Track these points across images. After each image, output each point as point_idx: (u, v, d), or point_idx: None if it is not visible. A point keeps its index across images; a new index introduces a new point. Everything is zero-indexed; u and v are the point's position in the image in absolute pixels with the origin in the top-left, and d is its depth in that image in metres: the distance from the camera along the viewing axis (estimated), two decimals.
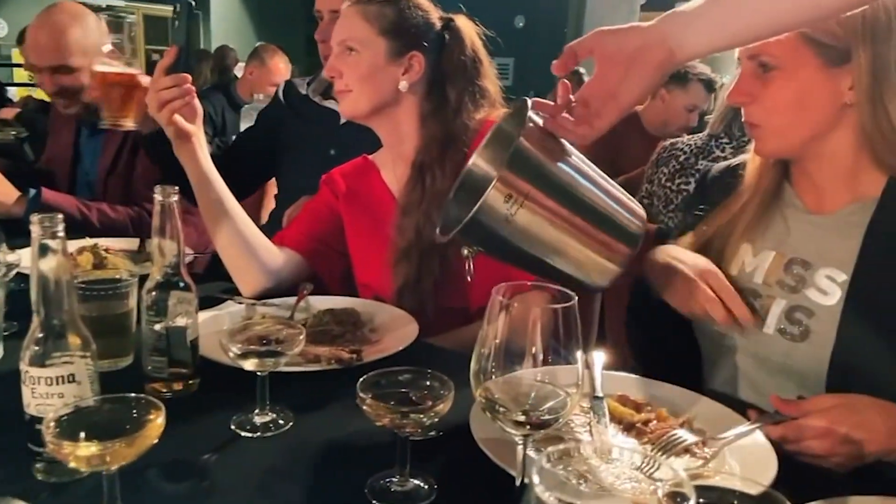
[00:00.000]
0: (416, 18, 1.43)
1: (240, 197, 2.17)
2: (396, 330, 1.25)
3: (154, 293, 1.03)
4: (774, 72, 1.05)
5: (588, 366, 1.03)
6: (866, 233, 1.06)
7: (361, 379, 0.81)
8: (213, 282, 1.60)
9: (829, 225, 1.11)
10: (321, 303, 1.38)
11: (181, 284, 1.04)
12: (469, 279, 0.97)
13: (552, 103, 0.93)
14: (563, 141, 0.94)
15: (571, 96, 0.93)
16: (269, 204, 2.40)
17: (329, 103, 1.99)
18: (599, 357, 1.07)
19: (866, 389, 0.95)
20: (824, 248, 1.10)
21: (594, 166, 0.97)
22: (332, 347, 1.14)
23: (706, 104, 3.22)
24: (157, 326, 1.02)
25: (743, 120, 1.13)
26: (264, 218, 2.45)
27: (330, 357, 1.09)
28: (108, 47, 1.45)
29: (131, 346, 1.15)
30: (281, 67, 4.31)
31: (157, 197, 0.99)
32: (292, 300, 1.38)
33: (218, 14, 11.57)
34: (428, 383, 0.83)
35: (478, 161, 1.05)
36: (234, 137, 3.89)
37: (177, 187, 1.00)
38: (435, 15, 1.47)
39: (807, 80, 1.04)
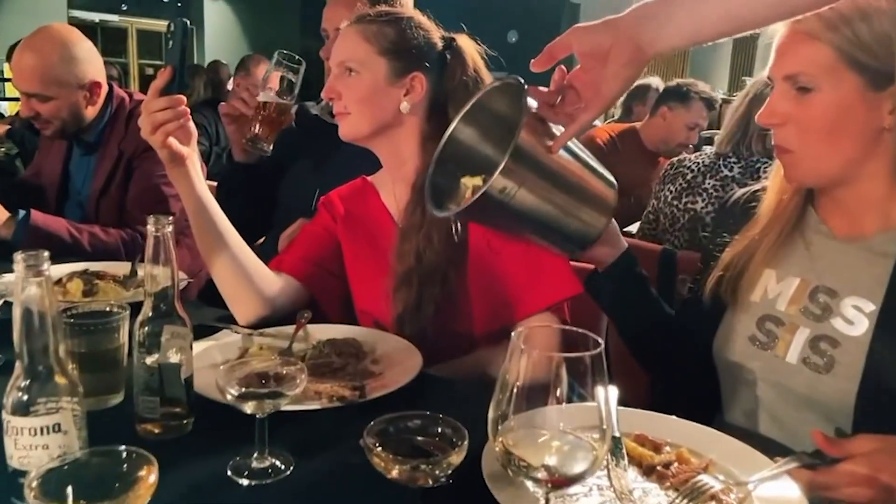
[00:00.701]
0: (418, 38, 1.39)
1: (269, 230, 2.15)
2: (399, 362, 1.20)
3: (146, 328, 0.97)
4: (812, 94, 1.00)
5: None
6: None
7: (368, 427, 0.76)
8: (207, 307, 1.55)
9: (857, 253, 1.07)
10: (320, 331, 1.32)
11: (175, 318, 0.98)
12: (456, 238, 1.08)
13: (545, 89, 0.96)
14: (551, 124, 0.99)
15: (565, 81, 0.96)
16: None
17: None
18: (613, 392, 1.02)
19: (895, 425, 0.90)
20: (851, 276, 1.06)
21: (575, 141, 1.04)
22: (333, 383, 1.09)
23: (706, 122, 3.20)
24: (149, 363, 0.97)
25: (773, 143, 1.08)
26: (261, 239, 2.40)
27: (332, 394, 1.04)
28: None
29: (122, 382, 1.09)
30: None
31: (151, 228, 0.94)
32: (290, 329, 1.32)
33: (212, 27, 11.58)
34: (440, 430, 0.77)
35: (460, 127, 1.13)
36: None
37: (170, 217, 0.95)
38: (436, 34, 1.43)
39: (847, 103, 0.99)
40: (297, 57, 1.68)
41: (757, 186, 1.23)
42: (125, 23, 11.92)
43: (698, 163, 2.10)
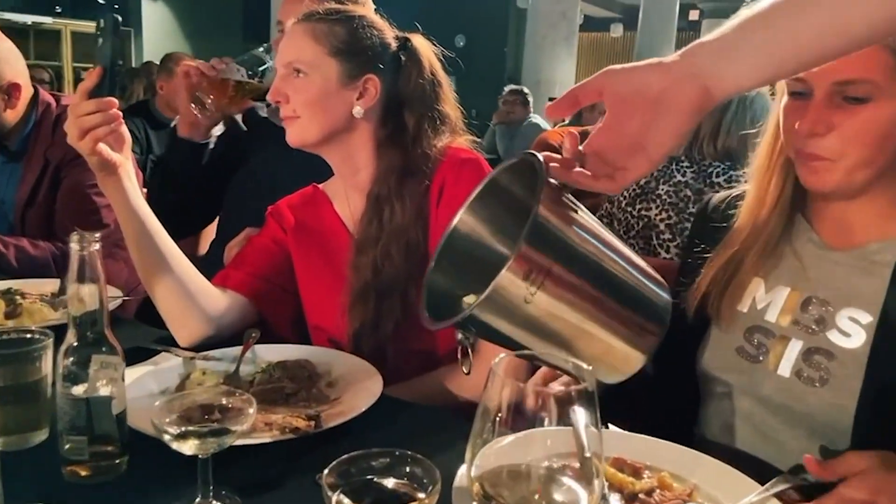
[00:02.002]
0: (371, 38, 1.31)
1: (202, 227, 2.02)
2: (357, 384, 1.11)
3: (71, 357, 0.87)
4: (867, 103, 0.93)
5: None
6: (894, 272, 0.98)
7: (328, 469, 0.67)
8: (145, 327, 1.43)
9: (852, 263, 1.02)
10: (270, 353, 1.22)
11: (104, 346, 0.88)
12: (466, 371, 0.81)
13: (559, 156, 0.78)
14: (579, 204, 0.79)
15: (580, 147, 0.78)
16: (209, 233, 2.22)
17: None
18: (581, 413, 0.95)
19: (893, 440, 0.86)
20: (847, 287, 1.01)
21: (610, 231, 0.82)
22: (285, 412, 1.00)
23: None
24: (76, 397, 0.86)
25: (804, 151, 0.99)
26: (203, 249, 2.27)
27: (284, 426, 0.94)
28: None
29: (45, 417, 0.97)
30: None
31: (74, 246, 0.84)
32: (237, 350, 1.22)
33: (150, 29, 11.23)
34: (408, 469, 0.69)
35: (465, 218, 0.86)
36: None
37: (98, 234, 0.85)
38: (390, 34, 1.35)
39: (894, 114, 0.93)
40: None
41: (735, 191, 1.18)
42: (59, 25, 11.45)
43: None
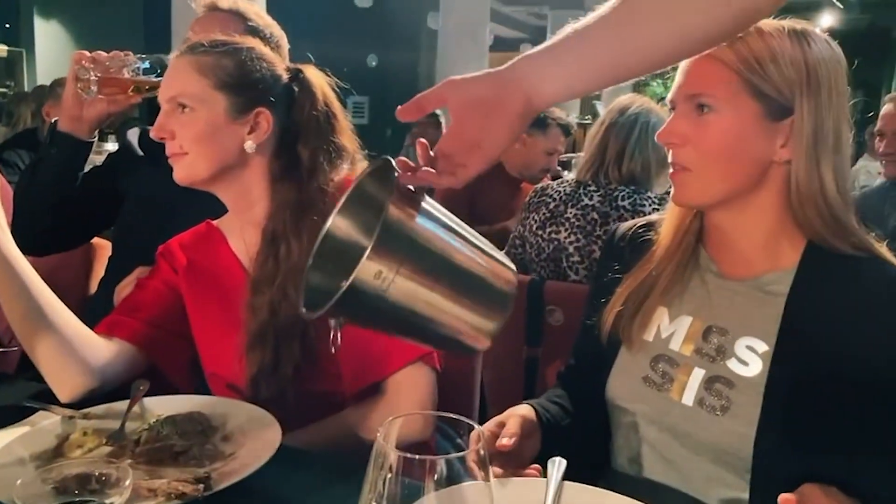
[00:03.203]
0: (261, 70, 1.26)
1: (71, 246, 1.85)
2: (254, 436, 1.05)
3: None
4: (711, 114, 1.00)
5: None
6: (787, 302, 1.01)
7: None
8: (22, 381, 1.32)
9: (747, 292, 1.05)
10: (160, 405, 1.15)
11: None
12: (334, 351, 0.86)
13: (412, 164, 0.84)
14: (429, 201, 0.86)
15: (431, 152, 0.85)
16: (99, 270, 2.09)
17: None
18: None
19: (793, 468, 0.90)
20: (743, 316, 1.04)
21: (461, 223, 0.89)
22: (174, 473, 0.93)
23: (564, 147, 3.27)
24: None
25: (671, 162, 1.05)
26: (93, 287, 2.14)
27: (169, 492, 0.87)
28: None
29: None
30: None
31: None
32: (123, 405, 1.14)
33: (45, 51, 10.68)
34: None
35: (337, 222, 0.95)
36: None
37: None
38: (281, 66, 1.31)
39: (743, 128, 0.99)
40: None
41: (642, 221, 1.20)
42: None
43: (560, 191, 2.10)
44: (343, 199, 0.95)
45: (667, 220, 1.14)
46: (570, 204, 2.05)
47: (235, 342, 1.25)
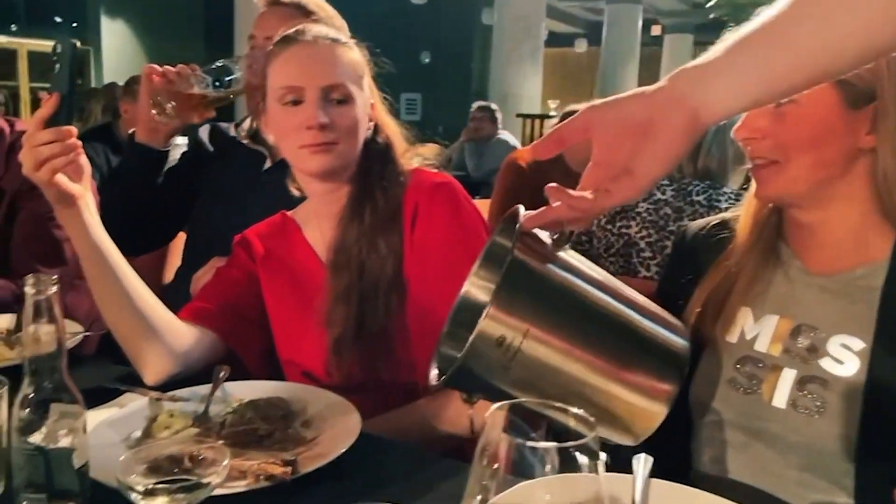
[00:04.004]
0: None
1: (155, 247, 1.93)
2: (335, 423, 1.06)
3: (27, 408, 0.80)
4: (790, 106, 0.96)
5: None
6: (883, 296, 0.97)
7: None
8: (107, 365, 1.36)
9: (838, 289, 1.01)
10: (241, 390, 1.17)
11: (63, 394, 0.82)
12: (473, 434, 0.78)
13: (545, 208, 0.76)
14: (569, 252, 0.76)
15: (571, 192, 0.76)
16: (174, 260, 2.15)
17: (257, 146, 1.80)
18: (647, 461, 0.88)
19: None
20: (834, 312, 1.00)
21: (609, 276, 0.77)
22: (259, 455, 0.95)
23: None
24: (33, 450, 0.80)
25: (750, 158, 1.03)
26: (168, 277, 2.20)
27: (258, 473, 0.89)
28: None
29: (1, 471, 0.91)
30: None
31: (29, 290, 0.78)
32: (205, 389, 1.16)
33: (110, 48, 11.04)
34: None
35: (472, 288, 0.83)
36: None
37: (56, 276, 0.79)
38: None
39: (825, 117, 0.96)
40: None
41: (714, 219, 1.16)
42: (14, 44, 11.20)
43: None
44: (478, 261, 0.84)
45: (743, 217, 1.11)
46: (641, 198, 2.01)
47: (312, 331, 1.27)
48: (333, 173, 1.27)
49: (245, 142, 1.81)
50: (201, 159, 1.85)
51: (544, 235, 0.75)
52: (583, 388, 0.68)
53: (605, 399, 0.69)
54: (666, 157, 0.72)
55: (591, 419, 0.54)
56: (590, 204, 0.73)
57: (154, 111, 1.57)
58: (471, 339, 0.64)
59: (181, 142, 1.84)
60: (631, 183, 0.72)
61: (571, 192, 0.74)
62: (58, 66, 1.16)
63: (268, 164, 1.76)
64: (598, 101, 0.74)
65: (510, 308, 0.65)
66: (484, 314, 0.64)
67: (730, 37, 0.73)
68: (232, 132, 1.87)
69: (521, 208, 0.73)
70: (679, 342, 0.73)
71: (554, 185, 0.75)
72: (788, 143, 0.97)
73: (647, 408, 0.69)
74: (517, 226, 0.70)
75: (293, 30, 1.28)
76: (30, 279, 0.78)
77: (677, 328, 0.74)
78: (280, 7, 1.69)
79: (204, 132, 1.91)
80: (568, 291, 0.68)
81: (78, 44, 1.17)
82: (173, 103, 1.56)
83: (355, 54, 1.29)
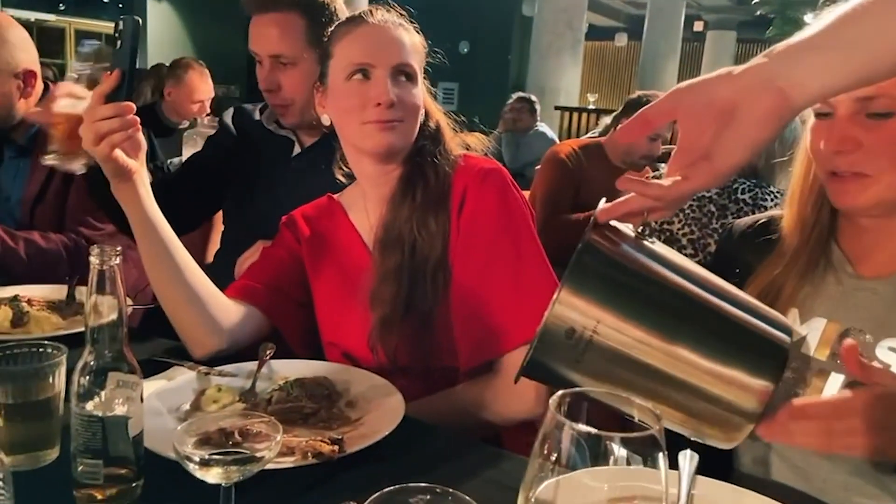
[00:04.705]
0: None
1: (182, 232, 1.95)
2: (378, 405, 1.07)
3: (87, 376, 0.82)
4: (890, 118, 0.93)
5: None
6: None
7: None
8: (154, 338, 1.39)
9: (889, 292, 1.00)
10: (286, 368, 1.18)
11: (122, 364, 0.84)
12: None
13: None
14: (654, 242, 0.72)
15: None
16: (216, 242, 2.18)
17: (284, 132, 1.79)
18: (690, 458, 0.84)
19: None
20: (884, 316, 0.99)
21: (692, 264, 0.71)
22: (305, 434, 0.96)
23: (668, 132, 3.16)
24: (91, 417, 0.82)
25: (835, 169, 0.99)
26: (209, 258, 2.23)
27: (307, 450, 0.90)
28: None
29: (57, 436, 0.94)
30: (197, 82, 4.00)
31: (94, 260, 0.80)
32: (252, 365, 1.18)
33: (155, 30, 11.18)
34: None
35: (563, 297, 0.76)
36: (168, 163, 3.63)
37: (119, 248, 0.81)
38: None
39: None
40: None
41: (762, 218, 1.15)
42: (62, 23, 11.43)
43: None
44: (568, 269, 0.77)
45: (790, 217, 1.09)
46: (720, 185, 1.98)
47: (355, 311, 1.28)
48: (393, 153, 1.27)
49: (271, 127, 1.78)
50: (227, 143, 1.84)
51: (627, 228, 0.73)
52: (669, 384, 0.65)
53: (694, 400, 0.66)
54: (748, 143, 0.68)
55: (657, 412, 0.54)
56: (664, 191, 0.71)
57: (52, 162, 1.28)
58: (540, 325, 0.64)
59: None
60: (709, 168, 0.69)
61: (643, 180, 0.73)
62: (119, 42, 1.19)
63: (296, 149, 1.74)
64: (683, 84, 0.72)
65: (582, 294, 0.64)
66: (553, 301, 0.63)
67: (826, 15, 0.68)
68: (257, 116, 1.83)
69: (603, 201, 0.72)
70: (781, 336, 0.69)
71: (625, 175, 0.73)
72: (881, 155, 0.94)
73: (738, 406, 0.66)
74: (591, 218, 0.68)
75: (359, 11, 1.29)
76: (94, 249, 0.80)
77: (778, 321, 0.70)
78: None
79: (228, 115, 1.90)
80: (649, 280, 0.66)
81: (140, 21, 1.19)
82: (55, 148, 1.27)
83: (418, 38, 1.31)
